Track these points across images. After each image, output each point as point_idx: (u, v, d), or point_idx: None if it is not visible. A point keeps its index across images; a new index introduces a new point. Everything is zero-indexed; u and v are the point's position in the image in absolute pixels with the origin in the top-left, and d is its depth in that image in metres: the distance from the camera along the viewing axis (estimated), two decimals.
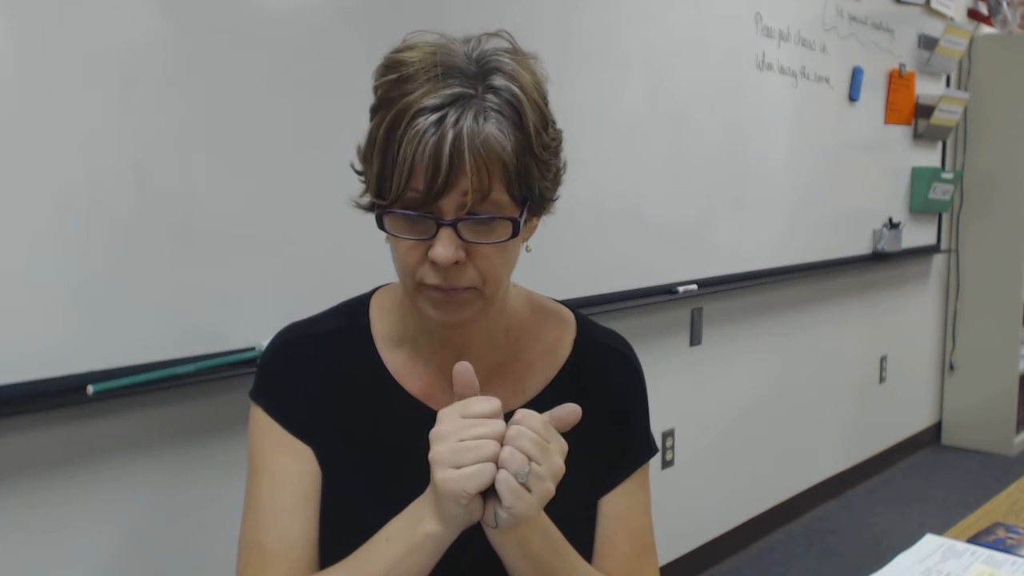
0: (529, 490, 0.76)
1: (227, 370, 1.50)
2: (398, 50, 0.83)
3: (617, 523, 0.98)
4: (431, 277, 0.82)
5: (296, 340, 0.95)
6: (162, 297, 1.46)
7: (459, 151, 0.77)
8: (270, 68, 1.57)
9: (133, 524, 1.50)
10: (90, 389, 1.36)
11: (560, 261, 2.15)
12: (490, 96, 0.80)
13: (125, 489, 1.49)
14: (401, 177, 0.78)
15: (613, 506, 0.98)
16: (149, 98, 1.42)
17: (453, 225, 0.80)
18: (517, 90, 0.81)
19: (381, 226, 0.83)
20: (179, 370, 1.46)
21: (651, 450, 1.02)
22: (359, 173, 0.87)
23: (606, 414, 0.98)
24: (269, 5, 1.57)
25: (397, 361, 0.95)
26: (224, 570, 1.37)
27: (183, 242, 1.48)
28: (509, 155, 0.79)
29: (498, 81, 0.81)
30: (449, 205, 0.79)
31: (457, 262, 0.81)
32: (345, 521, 0.89)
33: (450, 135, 0.77)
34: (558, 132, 0.88)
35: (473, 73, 0.81)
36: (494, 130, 0.79)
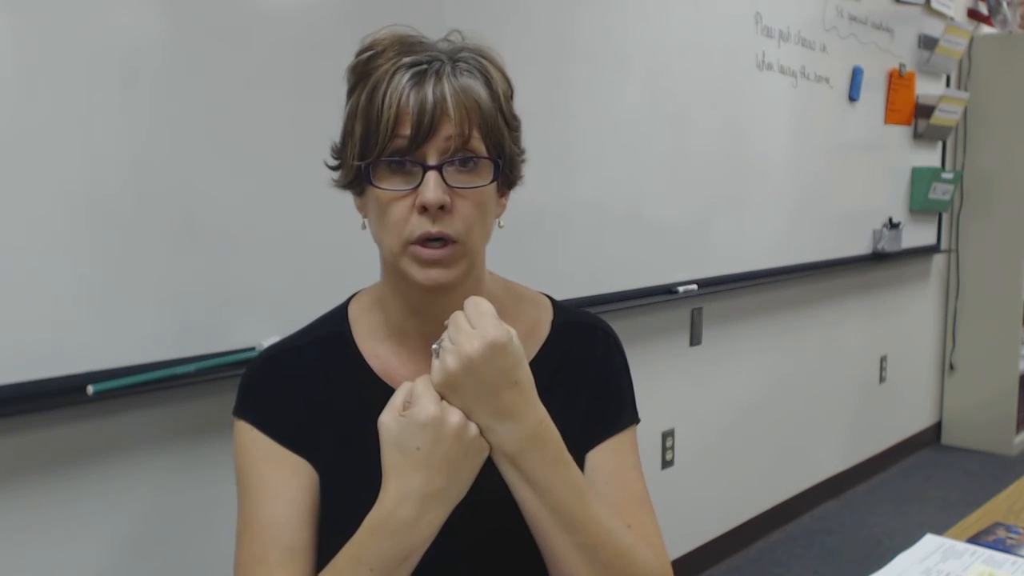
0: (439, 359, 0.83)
1: (227, 370, 1.50)
2: (368, 39, 0.90)
3: (607, 474, 0.98)
4: (420, 227, 0.86)
5: (276, 356, 0.98)
6: (162, 296, 1.46)
7: (442, 95, 0.84)
8: (270, 67, 1.57)
9: (133, 524, 1.50)
10: (90, 389, 1.36)
11: (560, 261, 2.15)
12: (460, 64, 0.87)
13: (125, 489, 1.49)
14: (387, 126, 0.84)
15: (600, 460, 0.98)
16: (149, 97, 1.42)
17: (439, 168, 0.85)
18: (484, 60, 0.89)
19: (368, 180, 0.87)
20: (179, 370, 1.46)
21: (635, 417, 1.03)
22: (334, 168, 0.93)
23: (587, 383, 1.00)
24: (268, 5, 1.57)
25: (380, 357, 0.96)
26: (224, 570, 1.37)
27: (183, 241, 1.48)
28: (486, 103, 0.87)
29: (465, 54, 0.88)
30: (432, 150, 0.85)
31: (443, 206, 0.85)
32: (347, 519, 0.90)
33: (431, 82, 0.84)
34: (519, 119, 0.94)
35: (441, 50, 0.88)
36: (470, 81, 0.86)
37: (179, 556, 1.56)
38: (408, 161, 0.85)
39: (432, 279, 0.87)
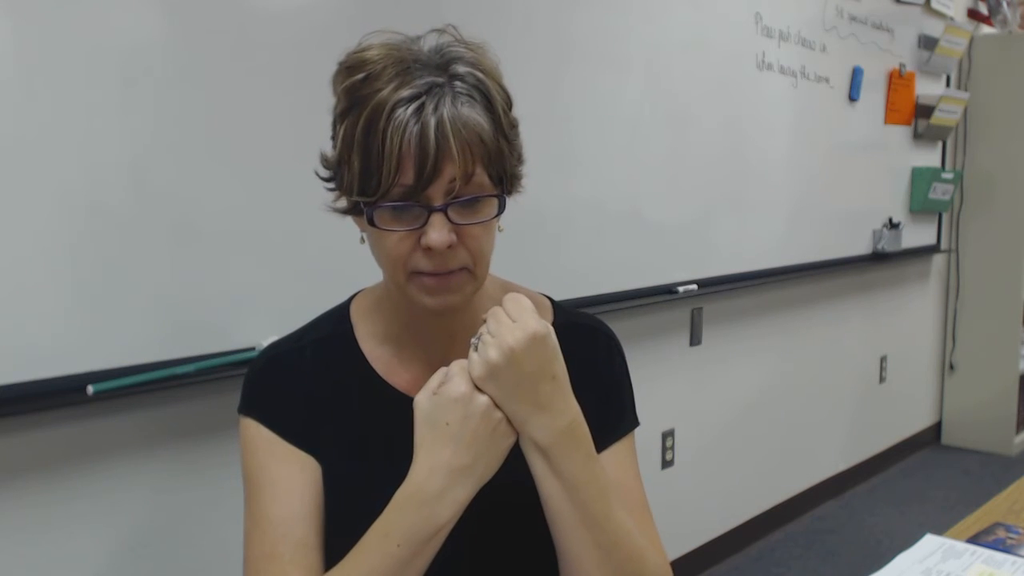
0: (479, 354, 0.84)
1: (227, 370, 1.50)
2: (357, 51, 0.86)
3: (626, 495, 0.98)
4: (424, 264, 0.85)
5: (281, 354, 0.97)
6: (162, 297, 1.46)
7: (444, 137, 0.80)
8: (269, 68, 1.57)
9: (133, 524, 1.50)
10: (90, 389, 1.36)
11: (560, 261, 2.15)
12: (458, 83, 0.83)
13: (125, 489, 1.49)
14: (390, 170, 0.81)
15: (620, 479, 0.99)
16: (149, 98, 1.42)
17: (443, 210, 0.83)
18: (481, 75, 0.85)
19: (371, 223, 0.85)
20: (179, 370, 1.46)
21: (635, 421, 1.04)
22: (326, 180, 0.90)
23: (590, 386, 0.99)
24: (269, 5, 1.57)
25: (383, 359, 0.96)
26: (224, 570, 1.37)
27: (183, 241, 1.48)
28: (488, 135, 0.83)
29: (461, 68, 0.84)
30: (437, 192, 0.82)
31: (450, 246, 0.84)
32: (348, 522, 0.90)
33: (433, 122, 0.80)
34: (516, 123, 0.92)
35: (436, 64, 0.84)
36: (471, 113, 0.82)
37: (179, 556, 1.56)
38: (411, 205, 0.83)
39: (439, 305, 0.87)
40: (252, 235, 1.56)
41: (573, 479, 0.86)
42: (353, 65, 0.85)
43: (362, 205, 0.84)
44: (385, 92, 0.81)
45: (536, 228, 2.05)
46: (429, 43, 0.86)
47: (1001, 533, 1.27)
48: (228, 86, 1.52)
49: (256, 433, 0.93)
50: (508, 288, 1.03)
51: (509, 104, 0.89)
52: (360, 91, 0.83)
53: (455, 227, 0.84)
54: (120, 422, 1.48)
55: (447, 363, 0.93)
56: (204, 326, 1.52)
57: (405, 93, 0.80)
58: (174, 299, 1.47)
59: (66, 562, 1.43)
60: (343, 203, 0.89)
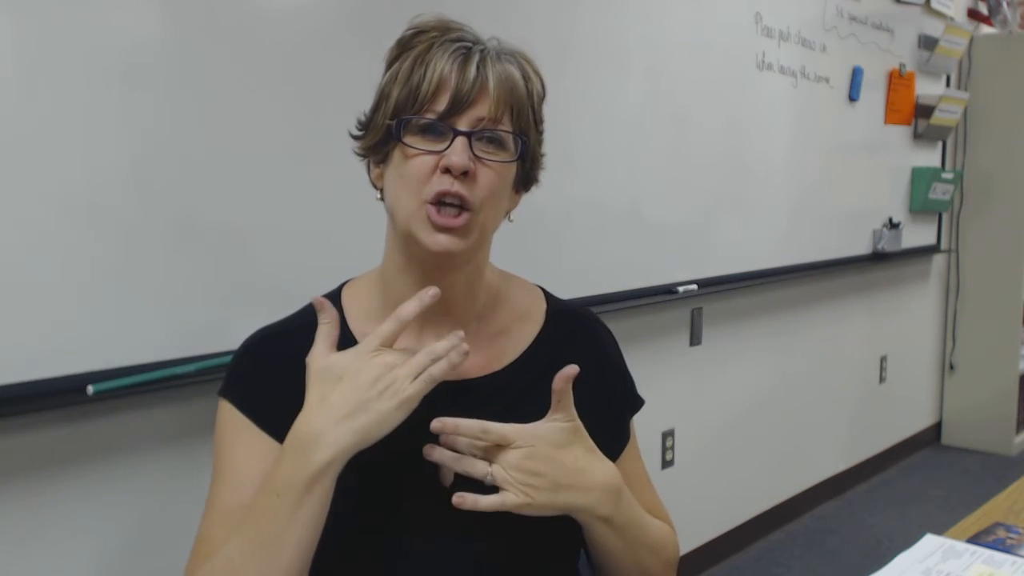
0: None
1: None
2: (416, 20, 0.93)
3: (636, 476, 1.04)
4: (440, 185, 0.88)
5: (266, 339, 0.98)
6: (162, 297, 1.46)
7: (484, 76, 0.88)
8: (270, 68, 1.57)
9: (133, 524, 1.50)
10: (90, 389, 1.36)
11: (560, 261, 2.15)
12: (503, 55, 0.92)
13: (125, 489, 1.49)
14: (428, 89, 0.87)
15: (627, 464, 1.04)
16: (149, 97, 1.42)
17: (468, 136, 0.88)
18: (523, 61, 0.94)
19: (399, 137, 0.89)
20: (179, 370, 1.46)
21: (638, 404, 1.09)
22: (357, 137, 0.95)
23: (592, 376, 1.01)
24: (269, 6, 1.57)
25: None
26: None
27: (183, 241, 1.48)
28: (521, 92, 0.91)
29: (505, 51, 0.93)
30: (464, 122, 0.88)
31: (467, 172, 0.87)
32: (336, 499, 0.89)
33: (475, 59, 0.88)
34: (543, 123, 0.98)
35: (483, 42, 0.92)
36: (511, 69, 0.91)
37: (179, 556, 1.56)
38: (440, 124, 0.87)
39: (441, 245, 0.88)
40: (253, 235, 1.56)
41: (626, 524, 0.93)
42: (408, 27, 0.92)
43: (393, 125, 0.89)
44: (437, 37, 0.89)
45: (536, 228, 2.05)
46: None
47: (1001, 533, 1.27)
48: (229, 86, 1.52)
49: (229, 416, 0.94)
50: (504, 274, 1.05)
51: (542, 93, 0.95)
52: (411, 41, 0.90)
53: (475, 159, 0.88)
54: (120, 422, 1.48)
55: (439, 337, 0.91)
56: (204, 326, 1.51)
57: (453, 36, 0.89)
58: (174, 299, 1.47)
59: (66, 562, 1.43)
60: (372, 139, 0.92)
